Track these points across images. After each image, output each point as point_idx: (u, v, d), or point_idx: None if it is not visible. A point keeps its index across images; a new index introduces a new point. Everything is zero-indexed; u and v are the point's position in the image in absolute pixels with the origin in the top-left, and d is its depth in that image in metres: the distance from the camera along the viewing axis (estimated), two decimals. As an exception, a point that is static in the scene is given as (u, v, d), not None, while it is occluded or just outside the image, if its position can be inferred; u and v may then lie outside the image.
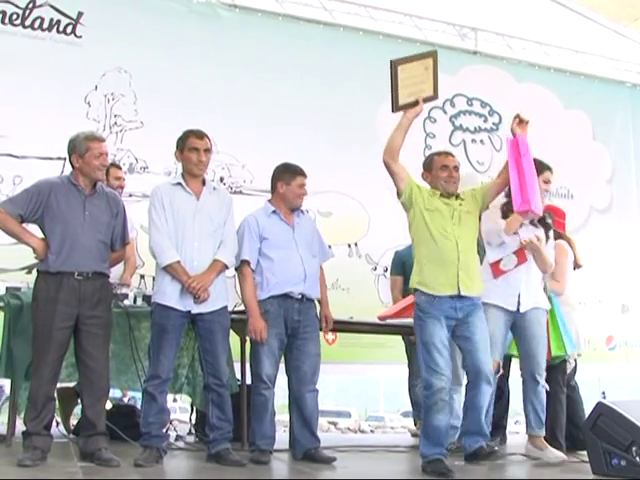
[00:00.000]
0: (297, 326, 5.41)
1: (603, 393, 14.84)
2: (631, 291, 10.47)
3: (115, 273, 5.90)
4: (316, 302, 5.63)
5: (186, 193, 5.15)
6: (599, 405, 5.15)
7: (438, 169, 5.41)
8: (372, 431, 17.63)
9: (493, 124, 10.02)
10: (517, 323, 5.83)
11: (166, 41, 8.43)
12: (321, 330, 5.66)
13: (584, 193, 10.50)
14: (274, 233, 5.47)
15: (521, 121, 5.54)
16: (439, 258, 5.19)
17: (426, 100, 5.38)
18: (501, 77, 10.26)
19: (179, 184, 5.18)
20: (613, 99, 10.92)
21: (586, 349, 9.81)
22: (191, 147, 5.16)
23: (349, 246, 9.00)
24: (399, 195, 5.37)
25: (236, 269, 5.46)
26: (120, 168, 6.71)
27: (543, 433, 5.91)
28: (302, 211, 5.71)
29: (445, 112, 9.79)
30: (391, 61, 5.29)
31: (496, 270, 5.79)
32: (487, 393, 5.24)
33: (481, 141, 9.94)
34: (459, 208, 5.32)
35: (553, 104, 10.47)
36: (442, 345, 5.08)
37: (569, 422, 6.47)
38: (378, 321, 6.67)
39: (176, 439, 6.31)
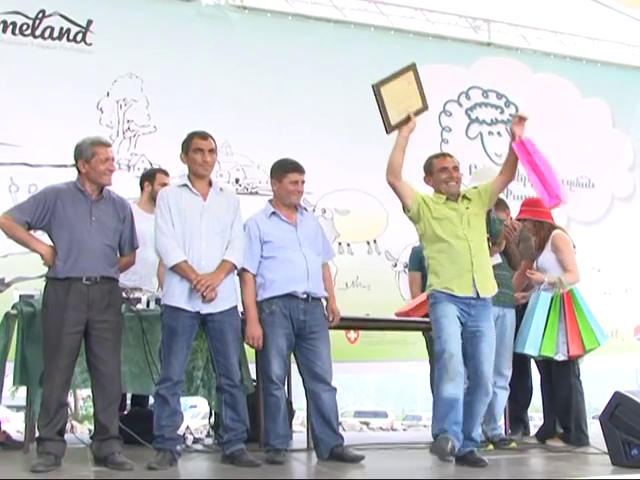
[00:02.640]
0: (303, 326, 5.36)
1: (641, 385, 14.66)
2: (658, 279, 10.32)
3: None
4: (323, 300, 5.57)
5: (192, 194, 5.14)
6: (616, 395, 5.09)
7: (438, 171, 5.47)
8: (405, 430, 17.58)
9: (510, 115, 9.89)
10: None
11: (176, 45, 8.43)
12: (331, 328, 5.61)
13: (605, 182, 10.40)
14: (276, 235, 5.42)
15: (521, 119, 5.47)
16: (454, 265, 5.25)
17: (417, 113, 5.42)
18: (516, 68, 10.16)
19: (185, 185, 5.17)
20: (631, 85, 10.78)
21: (615, 340, 9.75)
22: (195, 148, 5.14)
23: (368, 243, 8.96)
24: (406, 210, 5.42)
25: (238, 274, 5.40)
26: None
27: None
28: (305, 209, 5.67)
29: (461, 105, 9.73)
30: (372, 85, 5.31)
31: None
32: (485, 403, 5.31)
33: (498, 133, 9.84)
34: (466, 212, 5.37)
35: (571, 93, 10.36)
36: (453, 318, 5.17)
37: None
38: (395, 317, 6.63)
39: (194, 442, 6.31)
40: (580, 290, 6.35)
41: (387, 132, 5.39)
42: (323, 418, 5.37)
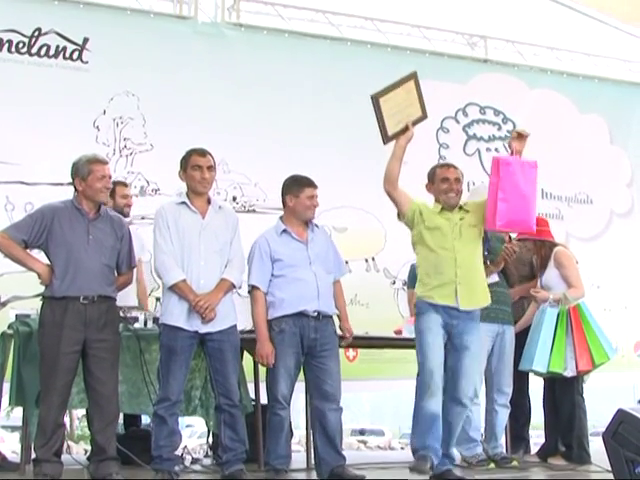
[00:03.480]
0: (314, 344, 5.30)
1: (639, 402, 14.67)
2: (658, 295, 10.29)
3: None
4: (335, 318, 5.52)
5: (191, 212, 5.11)
6: (620, 412, 5.02)
7: (439, 181, 5.49)
8: (402, 448, 17.51)
9: (507, 132, 9.87)
10: None
11: (173, 63, 8.41)
12: (341, 347, 5.58)
13: (604, 198, 10.36)
14: (287, 254, 5.35)
15: (520, 135, 5.47)
16: (439, 275, 5.28)
17: (415, 122, 5.42)
18: (513, 84, 10.14)
19: (184, 203, 5.14)
20: (629, 101, 10.76)
21: (615, 356, 9.69)
22: (194, 165, 5.11)
23: (366, 261, 8.93)
24: (400, 217, 5.47)
25: (248, 292, 5.39)
26: (127, 185, 6.65)
27: None
28: (316, 225, 5.60)
29: (458, 122, 9.71)
30: (371, 96, 5.33)
31: None
32: (461, 417, 5.35)
33: (496, 149, 9.80)
34: (460, 222, 5.38)
35: (568, 109, 10.34)
36: (437, 330, 5.20)
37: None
38: (394, 335, 6.59)
39: (192, 462, 6.25)
40: (587, 305, 6.32)
41: (384, 143, 5.40)
42: (327, 437, 5.31)
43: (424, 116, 5.47)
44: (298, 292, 5.29)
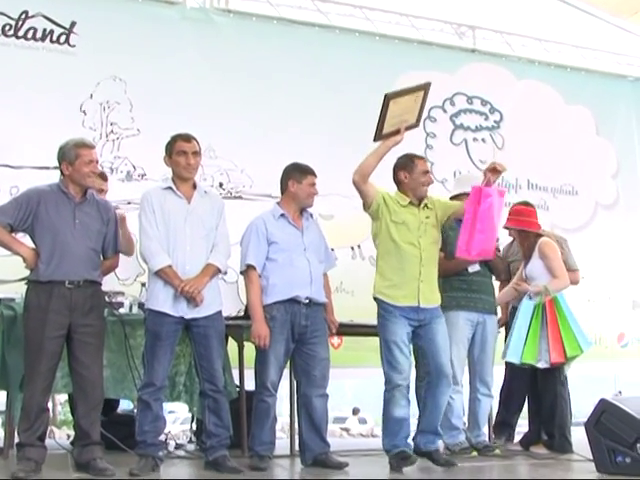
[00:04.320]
0: (305, 331, 5.35)
1: (620, 392, 14.78)
2: (641, 287, 10.35)
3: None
4: (324, 307, 5.55)
5: (177, 197, 5.10)
6: (602, 402, 5.08)
7: (420, 174, 5.56)
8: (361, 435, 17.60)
9: (494, 122, 9.93)
10: None
11: (161, 48, 8.37)
12: (330, 338, 5.65)
13: (589, 189, 10.39)
14: (283, 238, 5.40)
15: (495, 169, 5.54)
16: (402, 271, 5.40)
17: (408, 128, 5.46)
18: (501, 74, 10.15)
19: (169, 188, 5.14)
20: (615, 93, 10.79)
21: (598, 347, 9.76)
22: (179, 150, 5.11)
23: (352, 249, 8.93)
24: (365, 207, 5.58)
25: (242, 272, 5.41)
26: (106, 180, 6.52)
27: None
28: (311, 214, 5.65)
29: (445, 111, 9.70)
30: (385, 94, 5.34)
31: None
32: (447, 393, 5.48)
33: (483, 139, 9.84)
34: (425, 221, 5.50)
35: (554, 100, 10.35)
36: (403, 343, 5.33)
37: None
38: (379, 323, 6.60)
39: (176, 447, 6.26)
40: (565, 297, 6.34)
41: (375, 140, 5.44)
42: (312, 424, 5.37)
43: (416, 124, 5.54)
44: (291, 278, 5.33)
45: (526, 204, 6.81)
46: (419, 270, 5.39)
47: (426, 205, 5.54)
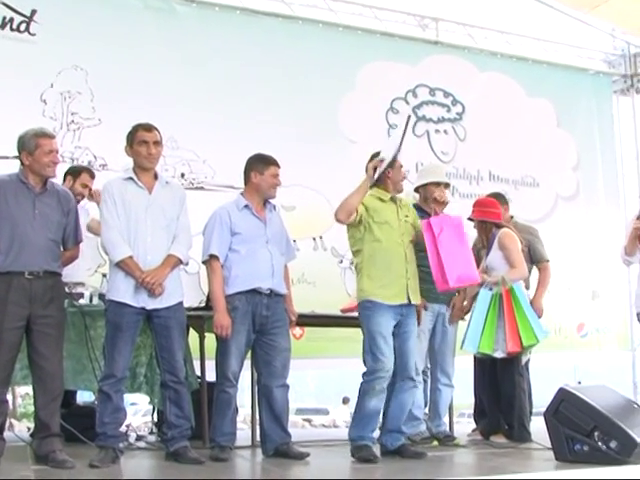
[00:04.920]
0: (266, 322, 5.35)
1: (580, 382, 14.87)
2: (600, 277, 10.44)
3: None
4: (285, 297, 5.55)
5: (138, 187, 5.06)
6: (561, 391, 5.13)
7: (399, 168, 5.66)
8: (347, 426, 17.59)
9: (456, 114, 9.98)
10: None
11: (122, 38, 8.31)
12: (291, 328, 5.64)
13: (550, 181, 10.49)
14: (246, 228, 5.39)
15: (437, 201, 5.87)
16: (389, 270, 5.42)
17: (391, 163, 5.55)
18: (463, 67, 10.20)
19: (130, 179, 5.09)
20: (576, 86, 10.91)
21: (558, 337, 9.86)
22: (140, 140, 5.07)
23: (314, 240, 8.94)
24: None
25: (204, 262, 5.40)
26: (93, 177, 6.51)
27: None
28: (274, 206, 5.64)
29: (407, 103, 9.73)
30: (409, 115, 5.89)
31: None
32: (412, 394, 5.57)
33: (445, 131, 9.89)
34: (405, 219, 5.58)
35: (516, 92, 10.44)
36: (388, 334, 5.35)
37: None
38: (340, 314, 6.63)
39: (137, 439, 6.24)
40: (521, 287, 6.39)
41: (388, 166, 5.47)
42: (273, 414, 5.37)
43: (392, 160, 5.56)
44: (253, 269, 5.33)
45: (495, 195, 6.93)
46: (405, 268, 5.43)
47: (401, 204, 5.62)
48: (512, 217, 7.04)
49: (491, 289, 6.25)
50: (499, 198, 6.98)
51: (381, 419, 5.57)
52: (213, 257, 5.33)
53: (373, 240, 5.44)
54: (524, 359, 6.43)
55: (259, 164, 5.52)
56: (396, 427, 5.51)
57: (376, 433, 5.51)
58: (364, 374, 5.37)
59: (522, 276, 6.38)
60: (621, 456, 4.71)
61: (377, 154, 5.47)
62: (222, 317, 5.22)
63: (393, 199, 5.58)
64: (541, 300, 6.87)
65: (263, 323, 5.35)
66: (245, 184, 5.58)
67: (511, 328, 6.14)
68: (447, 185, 6.60)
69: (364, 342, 5.43)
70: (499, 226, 6.51)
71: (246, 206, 5.46)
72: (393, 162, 5.52)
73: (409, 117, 5.56)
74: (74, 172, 6.50)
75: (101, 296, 5.64)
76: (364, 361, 5.40)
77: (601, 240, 10.42)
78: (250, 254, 5.35)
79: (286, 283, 5.61)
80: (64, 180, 6.37)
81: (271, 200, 5.58)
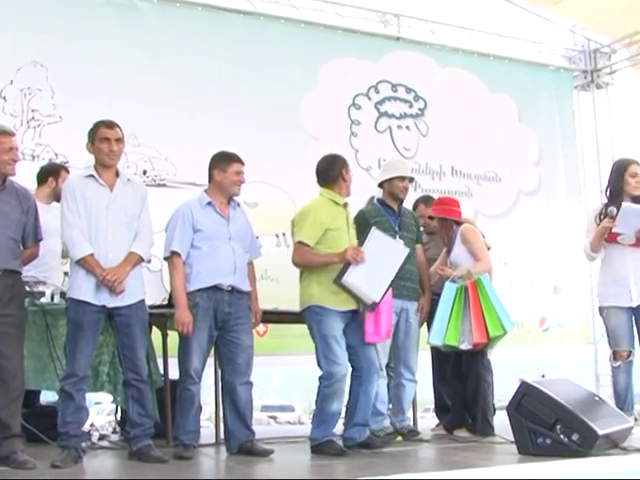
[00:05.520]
0: (228, 318, 5.34)
1: (543, 375, 15.01)
2: (562, 272, 10.53)
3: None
4: (248, 294, 5.55)
5: (99, 185, 5.02)
6: (523, 385, 5.16)
7: (347, 173, 5.75)
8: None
9: (419, 109, 10.01)
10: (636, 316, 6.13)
11: (83, 34, 8.22)
12: (253, 327, 5.63)
13: (512, 176, 10.54)
14: (208, 225, 5.38)
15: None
16: None
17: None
18: (425, 62, 10.23)
19: (92, 176, 5.05)
20: (537, 82, 10.97)
21: (520, 331, 9.93)
22: (102, 137, 5.03)
23: (277, 236, 8.91)
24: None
25: (166, 259, 5.39)
26: (69, 173, 6.46)
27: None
28: (238, 204, 5.62)
29: (370, 99, 9.74)
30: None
31: (612, 238, 6.08)
32: (375, 385, 5.62)
33: (407, 127, 9.91)
34: (350, 222, 5.71)
35: (478, 88, 10.48)
36: (341, 337, 5.44)
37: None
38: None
39: (100, 438, 6.20)
40: (489, 278, 6.43)
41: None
42: (237, 412, 5.37)
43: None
44: (214, 266, 5.32)
45: (425, 198, 7.31)
46: None
47: (349, 211, 5.74)
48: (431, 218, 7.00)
49: (455, 282, 6.28)
50: (428, 201, 7.12)
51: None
52: (174, 254, 5.31)
53: (327, 248, 5.51)
54: (489, 352, 6.47)
55: (222, 161, 5.52)
56: (363, 420, 5.57)
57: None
58: (321, 378, 5.44)
59: (487, 268, 6.43)
60: (583, 448, 4.75)
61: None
62: (183, 314, 5.21)
63: (345, 204, 5.67)
64: None
65: (225, 320, 5.34)
66: (209, 182, 5.57)
67: (477, 319, 6.17)
68: (411, 180, 6.64)
69: (317, 346, 5.47)
70: (459, 223, 6.56)
71: (209, 203, 5.45)
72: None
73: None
74: (54, 172, 6.47)
75: (63, 294, 5.58)
76: (319, 365, 5.45)
77: (563, 235, 10.51)
78: (212, 251, 5.34)
79: (252, 281, 5.62)
80: (44, 181, 6.35)
81: (235, 197, 5.57)
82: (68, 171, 6.52)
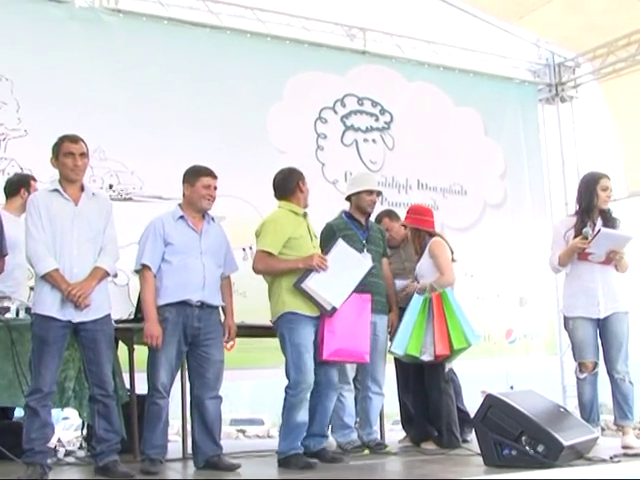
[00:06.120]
0: (198, 333, 5.34)
1: (512, 387, 15.07)
2: (528, 284, 10.58)
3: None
4: (220, 309, 5.57)
5: (64, 199, 5.02)
6: (488, 397, 5.20)
7: (304, 185, 5.83)
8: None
9: (385, 123, 10.04)
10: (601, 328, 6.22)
11: (49, 48, 8.18)
12: (226, 342, 5.64)
13: (478, 189, 10.58)
14: (179, 239, 5.39)
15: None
16: None
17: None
18: (391, 76, 10.26)
19: (56, 190, 5.04)
20: (502, 95, 11.04)
21: (487, 344, 9.98)
22: (66, 152, 5.03)
23: (244, 250, 8.86)
24: None
25: (137, 271, 5.39)
26: (36, 181, 6.54)
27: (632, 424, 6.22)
28: (213, 218, 5.64)
29: (336, 112, 9.75)
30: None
31: (584, 256, 6.16)
32: (334, 400, 5.76)
33: (373, 140, 9.93)
34: (310, 227, 5.78)
35: (444, 102, 10.53)
36: (311, 347, 5.51)
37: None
38: (271, 324, 6.62)
39: (66, 454, 6.16)
40: (453, 292, 6.48)
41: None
42: (205, 426, 5.37)
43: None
44: (183, 280, 5.33)
45: (388, 212, 7.37)
46: None
47: (309, 220, 5.82)
48: (404, 227, 7.04)
49: (421, 294, 6.34)
50: (392, 214, 7.21)
51: None
52: (145, 267, 5.31)
53: (291, 256, 5.60)
54: (448, 366, 6.52)
55: (190, 176, 5.55)
56: (321, 431, 5.69)
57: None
58: (288, 388, 5.47)
59: (449, 283, 6.48)
60: (548, 459, 4.80)
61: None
62: (152, 327, 5.21)
63: (304, 214, 5.75)
64: None
65: (195, 335, 5.34)
66: (183, 196, 5.58)
67: (441, 331, 6.23)
68: (379, 193, 6.69)
69: (287, 355, 5.51)
70: (432, 234, 6.61)
71: (181, 217, 5.46)
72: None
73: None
74: (26, 183, 6.46)
75: (28, 310, 5.55)
76: (287, 374, 5.49)
77: (528, 247, 10.58)
78: (181, 265, 5.35)
79: (227, 295, 5.67)
80: (15, 192, 6.35)
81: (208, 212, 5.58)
82: (36, 180, 6.51)
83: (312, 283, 5.50)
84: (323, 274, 5.52)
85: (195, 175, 5.52)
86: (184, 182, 5.54)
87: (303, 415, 5.45)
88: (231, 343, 5.72)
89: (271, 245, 5.60)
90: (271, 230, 5.64)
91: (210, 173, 5.55)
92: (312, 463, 5.33)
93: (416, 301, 6.34)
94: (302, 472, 5.17)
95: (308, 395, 5.46)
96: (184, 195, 5.54)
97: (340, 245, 5.72)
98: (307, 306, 5.52)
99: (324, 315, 5.55)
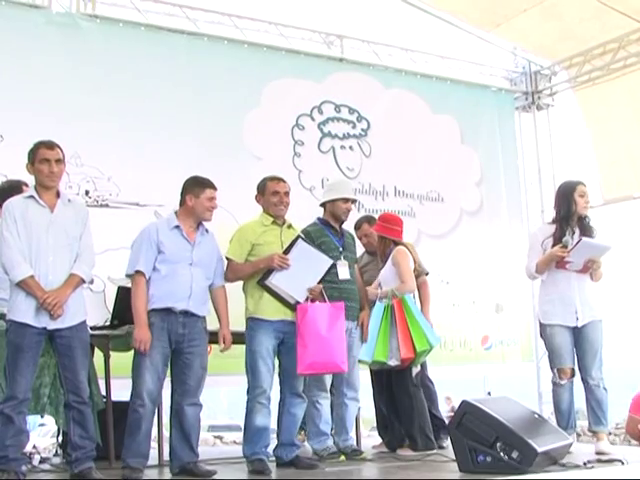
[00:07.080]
0: (182, 340, 5.36)
1: (489, 393, 15.13)
2: (504, 291, 10.61)
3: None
4: (205, 318, 5.58)
5: (39, 206, 5.01)
6: (464, 404, 5.22)
7: (270, 194, 5.90)
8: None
9: (362, 130, 10.06)
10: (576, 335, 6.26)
11: (25, 53, 8.13)
12: (222, 351, 5.71)
13: (454, 196, 10.60)
14: (171, 249, 5.40)
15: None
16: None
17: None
18: (368, 83, 10.28)
19: (32, 197, 5.03)
20: (479, 103, 11.09)
21: (463, 350, 10.02)
22: (42, 158, 5.01)
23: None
24: None
25: (128, 276, 5.42)
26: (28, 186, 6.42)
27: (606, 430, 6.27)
28: (206, 229, 5.64)
29: (313, 119, 9.76)
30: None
31: (562, 265, 6.21)
32: (303, 408, 5.85)
33: (350, 147, 9.95)
34: (284, 234, 5.87)
35: (421, 109, 10.57)
36: (267, 354, 5.66)
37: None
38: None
39: (41, 461, 6.13)
40: (412, 298, 6.60)
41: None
42: (183, 433, 5.39)
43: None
44: (170, 289, 5.36)
45: (368, 218, 7.42)
46: None
47: (290, 225, 5.95)
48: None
49: (381, 301, 6.40)
50: (372, 220, 7.24)
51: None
52: (138, 272, 5.33)
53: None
54: (415, 370, 6.56)
55: (195, 187, 5.57)
56: (289, 440, 5.76)
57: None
58: (247, 392, 5.67)
59: (410, 290, 6.60)
60: (522, 465, 4.83)
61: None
62: (142, 331, 5.24)
63: (275, 222, 5.87)
64: (428, 315, 6.92)
65: (179, 341, 5.36)
66: (180, 205, 5.60)
67: (404, 335, 6.33)
68: (354, 201, 6.71)
69: (245, 360, 5.70)
70: (397, 243, 6.68)
71: (177, 227, 5.48)
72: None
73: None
74: (17, 187, 6.41)
75: (2, 316, 5.52)
76: (248, 380, 5.65)
77: (505, 254, 10.62)
78: (169, 274, 5.37)
79: (222, 307, 5.74)
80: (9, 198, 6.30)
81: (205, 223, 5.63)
82: (27, 185, 6.47)
83: (275, 280, 5.68)
84: (285, 272, 5.68)
85: (200, 187, 5.55)
86: (186, 192, 5.55)
87: (262, 420, 5.58)
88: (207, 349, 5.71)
89: (234, 253, 5.80)
90: (235, 238, 5.87)
91: (212, 185, 5.62)
92: (265, 470, 5.41)
93: (378, 309, 6.45)
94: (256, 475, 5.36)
95: (264, 400, 5.60)
96: (183, 204, 5.55)
97: (300, 244, 5.83)
98: (268, 309, 5.67)
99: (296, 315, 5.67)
